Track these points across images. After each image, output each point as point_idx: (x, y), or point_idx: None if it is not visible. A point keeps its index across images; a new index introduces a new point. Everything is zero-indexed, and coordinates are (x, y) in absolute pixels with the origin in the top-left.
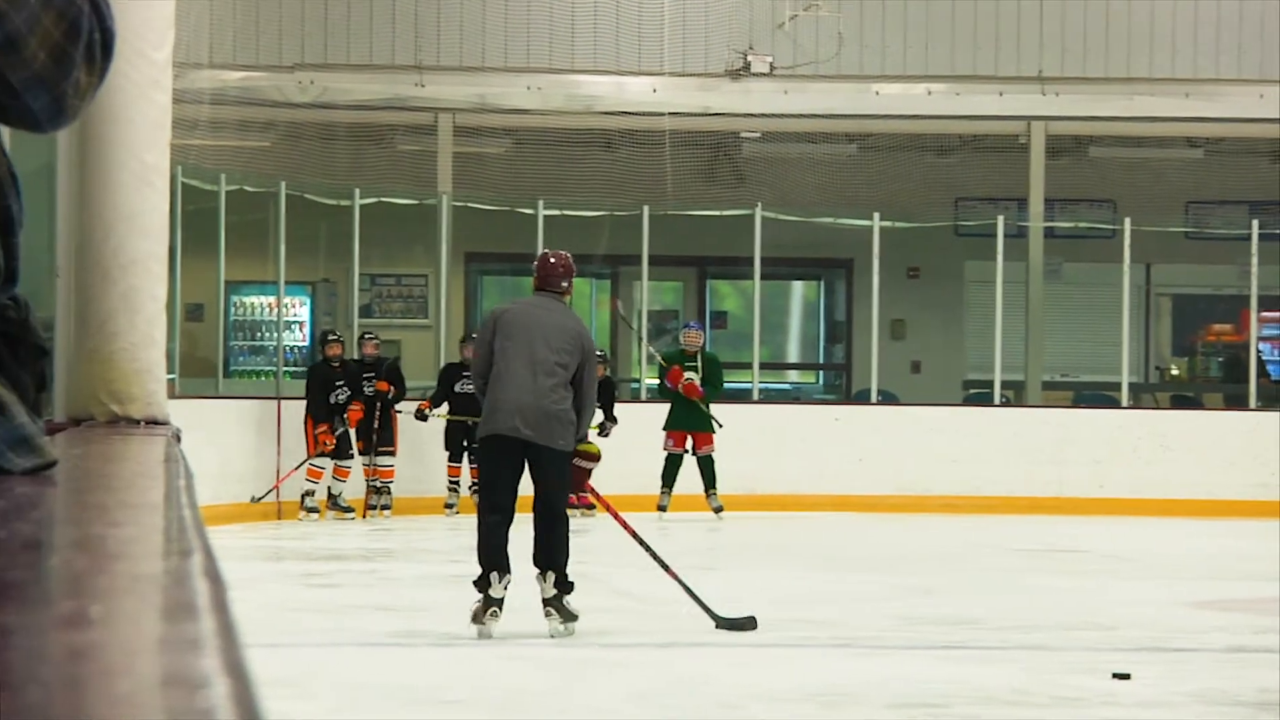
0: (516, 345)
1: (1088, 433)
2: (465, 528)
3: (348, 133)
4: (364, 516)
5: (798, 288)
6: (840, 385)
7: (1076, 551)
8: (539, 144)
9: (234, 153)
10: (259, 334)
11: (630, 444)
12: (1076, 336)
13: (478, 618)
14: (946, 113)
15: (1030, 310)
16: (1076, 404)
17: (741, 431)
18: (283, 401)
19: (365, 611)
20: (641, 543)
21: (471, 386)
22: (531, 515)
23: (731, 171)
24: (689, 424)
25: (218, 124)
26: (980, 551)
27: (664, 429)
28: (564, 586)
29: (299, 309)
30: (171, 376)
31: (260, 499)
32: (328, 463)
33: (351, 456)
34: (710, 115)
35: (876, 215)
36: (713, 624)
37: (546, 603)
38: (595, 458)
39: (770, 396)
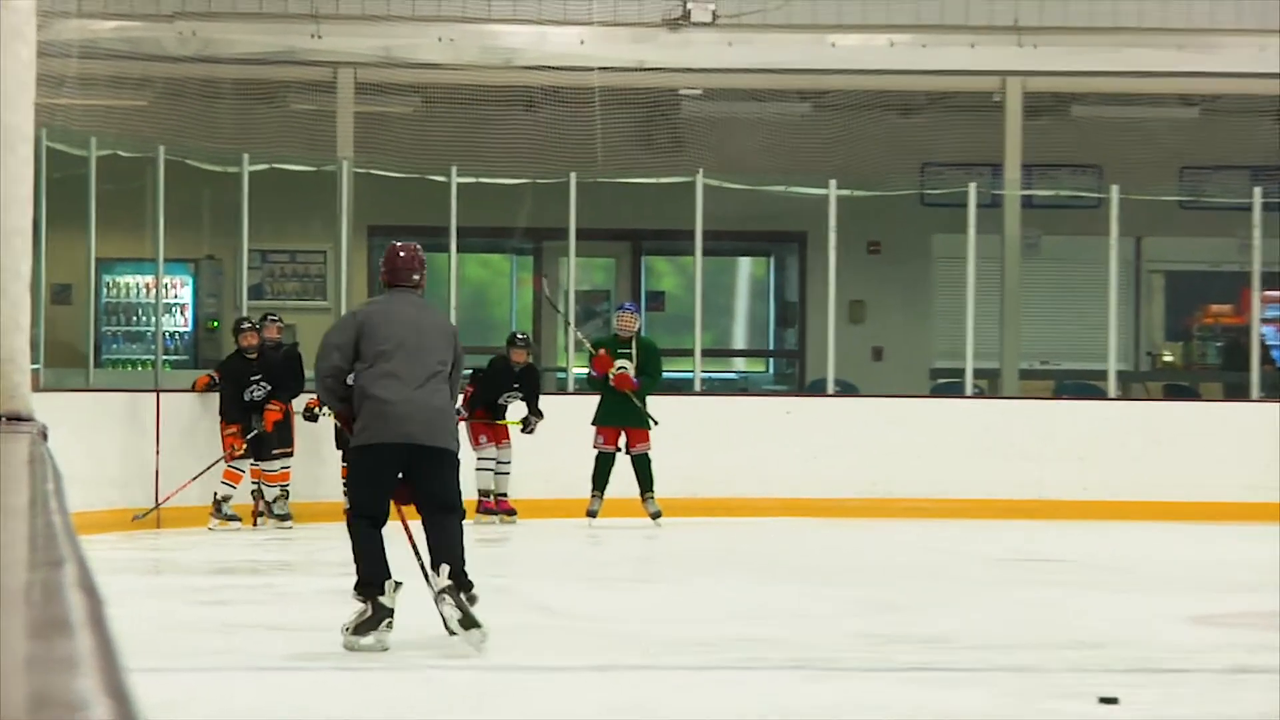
0: (394, 348)
1: (1070, 427)
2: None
3: (235, 90)
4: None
5: (744, 264)
6: (792, 374)
7: (1058, 560)
8: (452, 103)
9: (106, 113)
10: (135, 318)
11: (556, 441)
12: (1058, 319)
13: (365, 629)
14: (912, 67)
15: (1006, 289)
16: (1058, 395)
17: (681, 427)
18: (162, 395)
19: (257, 631)
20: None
21: None
22: (420, 519)
23: (669, 134)
24: (622, 419)
25: (87, 80)
26: (950, 561)
27: (593, 424)
28: (462, 582)
29: (180, 290)
30: (36, 366)
31: (143, 517)
32: (246, 465)
33: (275, 458)
34: (645, 70)
35: (833, 183)
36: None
37: (442, 592)
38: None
39: (714, 387)
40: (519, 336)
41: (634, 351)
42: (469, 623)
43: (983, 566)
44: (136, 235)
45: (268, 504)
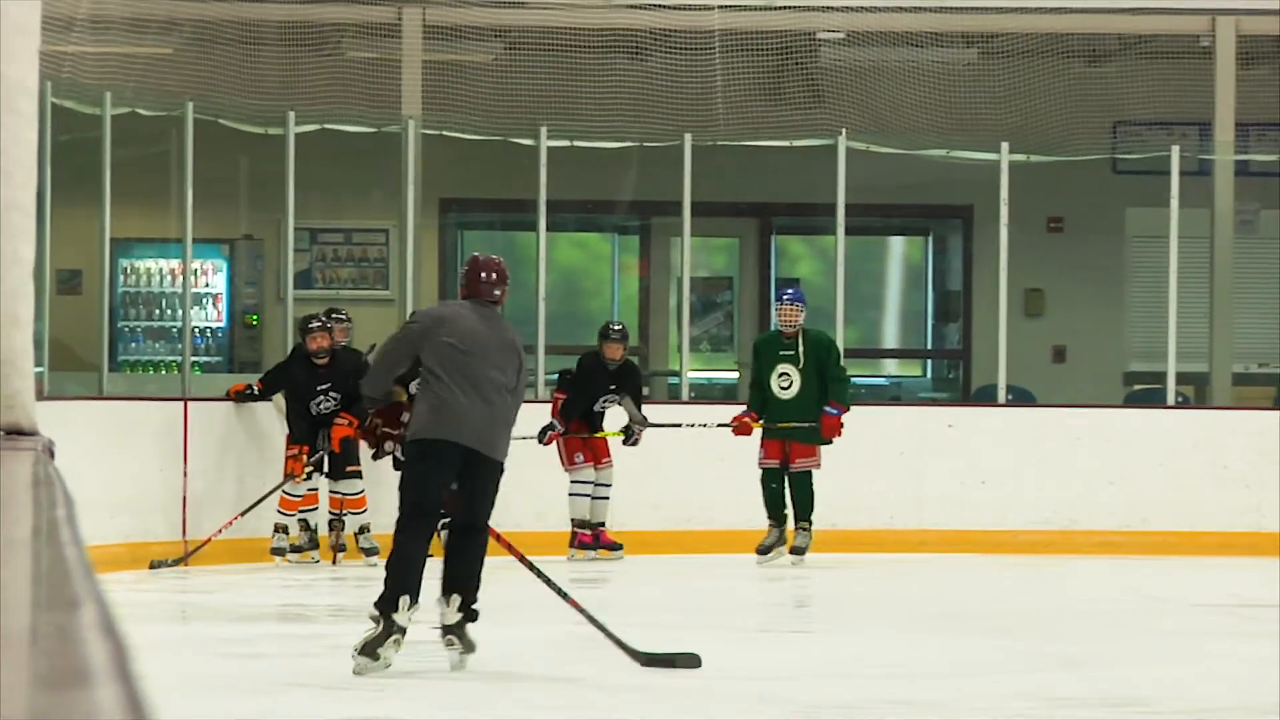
0: (462, 359)
1: None
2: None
3: (279, 35)
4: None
5: (896, 246)
6: (955, 379)
7: (1278, 607)
8: (540, 50)
9: (123, 63)
10: (158, 311)
11: (668, 461)
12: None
13: (371, 648)
14: (1101, 5)
15: (1216, 275)
16: None
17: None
18: (191, 404)
19: (305, 691)
20: (539, 575)
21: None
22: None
23: (805, 87)
24: (790, 433)
25: (100, 24)
26: (1148, 607)
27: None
28: (470, 614)
29: (212, 277)
30: (40, 370)
31: (168, 565)
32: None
33: (347, 476)
34: (776, 10)
35: (1005, 146)
36: (638, 663)
37: (449, 630)
38: None
39: (859, 394)
40: (614, 328)
41: (800, 352)
42: (468, 650)
43: (1187, 614)
44: (160, 211)
45: (350, 535)
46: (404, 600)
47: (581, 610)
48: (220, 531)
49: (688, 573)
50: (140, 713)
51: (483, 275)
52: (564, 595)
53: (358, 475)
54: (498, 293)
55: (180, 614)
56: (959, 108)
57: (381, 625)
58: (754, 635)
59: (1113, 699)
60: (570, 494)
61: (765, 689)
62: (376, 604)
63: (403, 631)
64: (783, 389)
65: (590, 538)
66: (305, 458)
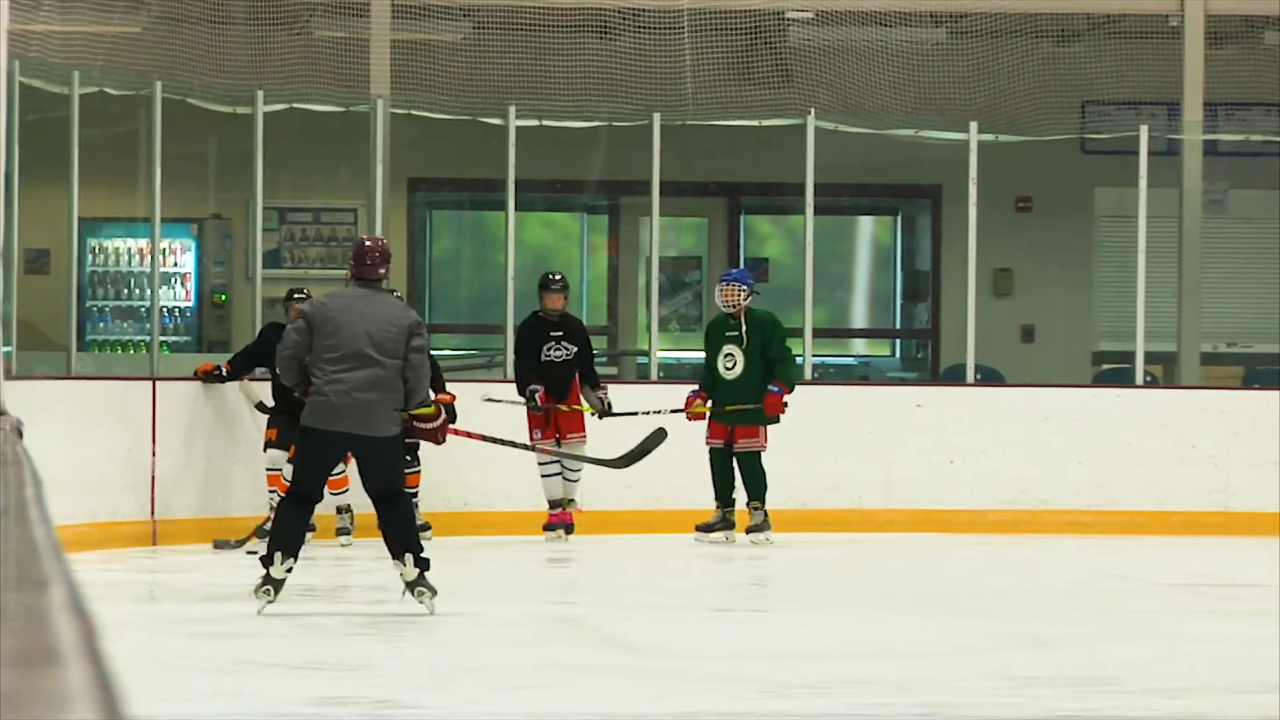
0: (339, 342)
1: (1263, 423)
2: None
3: (247, 13)
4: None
5: (865, 225)
6: (924, 359)
7: (1247, 585)
8: (509, 29)
9: (91, 42)
10: (126, 291)
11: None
12: (1247, 291)
13: (256, 593)
14: None
15: (1184, 255)
16: (1248, 384)
17: (787, 423)
18: (160, 384)
19: (274, 670)
20: (494, 440)
21: None
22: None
23: (774, 67)
24: (733, 414)
25: (68, 3)
26: (1116, 587)
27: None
28: (423, 564)
29: (181, 256)
30: (7, 349)
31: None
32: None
33: None
34: None
35: (973, 126)
36: (618, 468)
37: (410, 585)
38: (434, 417)
39: (828, 374)
40: (553, 278)
41: (743, 332)
42: (431, 596)
43: (1155, 593)
44: (128, 190)
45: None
46: (279, 556)
47: (549, 451)
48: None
49: (658, 553)
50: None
51: (366, 259)
52: (530, 447)
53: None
54: (382, 271)
55: (149, 594)
56: (927, 87)
57: (264, 576)
58: (722, 615)
59: (1081, 678)
60: (542, 475)
61: (735, 669)
62: (262, 559)
63: (279, 584)
64: (727, 369)
65: (560, 517)
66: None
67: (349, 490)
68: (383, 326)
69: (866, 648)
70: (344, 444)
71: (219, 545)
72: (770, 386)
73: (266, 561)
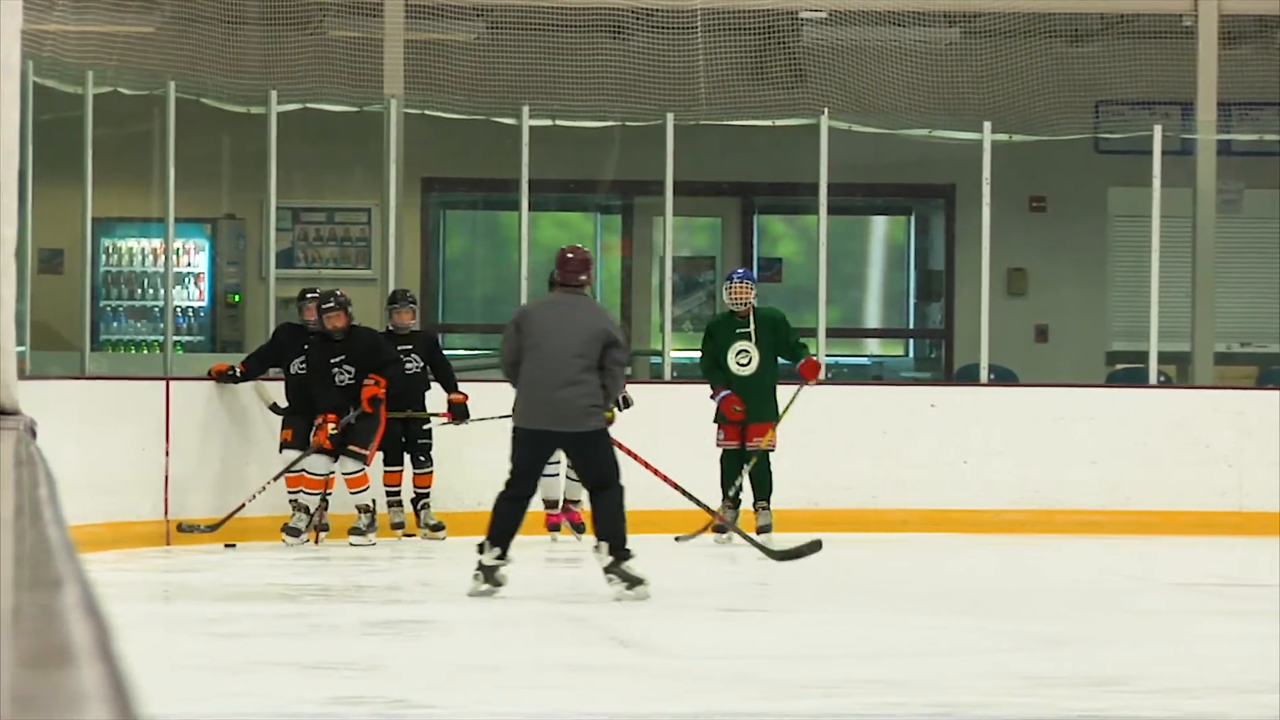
0: (541, 344)
1: (1277, 424)
2: (410, 556)
3: (261, 14)
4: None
5: (879, 225)
6: (938, 359)
7: (1262, 585)
8: (523, 29)
9: (105, 42)
10: (140, 291)
11: (647, 440)
12: (1262, 291)
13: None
14: None
15: (1198, 255)
16: (1262, 384)
17: (800, 422)
18: (173, 383)
19: (287, 670)
20: (677, 488)
21: (408, 368)
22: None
23: (788, 66)
24: (749, 412)
25: (82, 3)
26: (1129, 587)
27: (714, 420)
28: (620, 554)
29: (194, 256)
30: (21, 349)
31: (196, 530)
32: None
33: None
34: None
35: (987, 126)
36: (774, 561)
37: (606, 570)
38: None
39: (841, 374)
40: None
41: (753, 329)
42: (634, 584)
43: (1169, 593)
44: (142, 190)
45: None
46: (485, 544)
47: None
48: (253, 498)
49: (667, 553)
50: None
51: (567, 266)
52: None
53: (361, 457)
54: (583, 278)
55: (163, 593)
56: (941, 87)
57: (478, 564)
58: (731, 616)
59: (1093, 679)
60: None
61: (745, 669)
62: (478, 546)
63: (489, 571)
64: (741, 365)
65: (557, 518)
66: (330, 425)
67: (368, 489)
68: (581, 330)
69: (877, 648)
70: (552, 441)
71: (184, 529)
72: (802, 358)
73: (480, 549)
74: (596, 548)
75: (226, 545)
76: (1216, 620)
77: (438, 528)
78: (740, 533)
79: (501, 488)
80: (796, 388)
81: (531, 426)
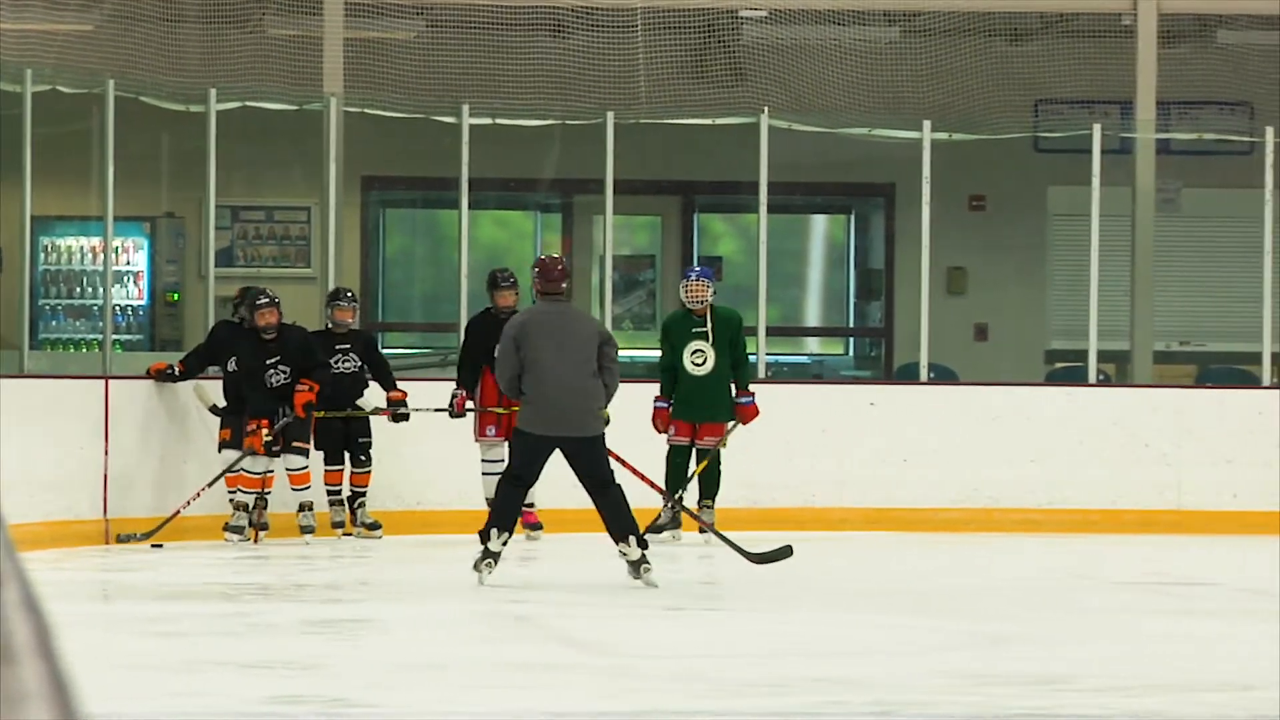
0: (539, 354)
1: (1216, 422)
2: (349, 556)
3: (200, 12)
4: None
5: (819, 224)
6: (878, 357)
7: (1200, 584)
8: (462, 27)
9: (44, 40)
10: (79, 289)
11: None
12: (1200, 290)
13: (476, 566)
14: None
15: (1137, 253)
16: (1201, 382)
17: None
18: (112, 382)
19: (226, 669)
20: (664, 493)
21: (346, 367)
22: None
23: (728, 65)
24: (704, 411)
25: (21, 1)
26: (1070, 585)
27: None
28: (644, 544)
29: (134, 255)
30: None
31: (133, 539)
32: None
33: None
34: None
35: (927, 125)
36: (748, 563)
37: (634, 565)
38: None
39: (781, 373)
40: (501, 275)
41: (710, 329)
42: (648, 572)
43: (1108, 591)
44: (80, 189)
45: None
46: (494, 531)
47: (704, 523)
48: (188, 504)
49: (611, 551)
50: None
51: (549, 275)
52: (687, 510)
53: (304, 452)
54: (564, 285)
55: (102, 592)
56: (881, 86)
57: (482, 551)
58: (675, 614)
59: (1036, 677)
60: (482, 473)
61: (689, 667)
62: (480, 533)
63: (496, 556)
64: (696, 365)
65: (531, 517)
66: (264, 431)
67: (310, 488)
68: (579, 336)
69: (821, 646)
70: (555, 444)
71: (122, 539)
72: (740, 398)
73: (484, 537)
74: (624, 549)
75: (154, 545)
76: (1160, 618)
77: (374, 526)
78: (718, 534)
79: (502, 476)
80: (732, 424)
81: (540, 432)
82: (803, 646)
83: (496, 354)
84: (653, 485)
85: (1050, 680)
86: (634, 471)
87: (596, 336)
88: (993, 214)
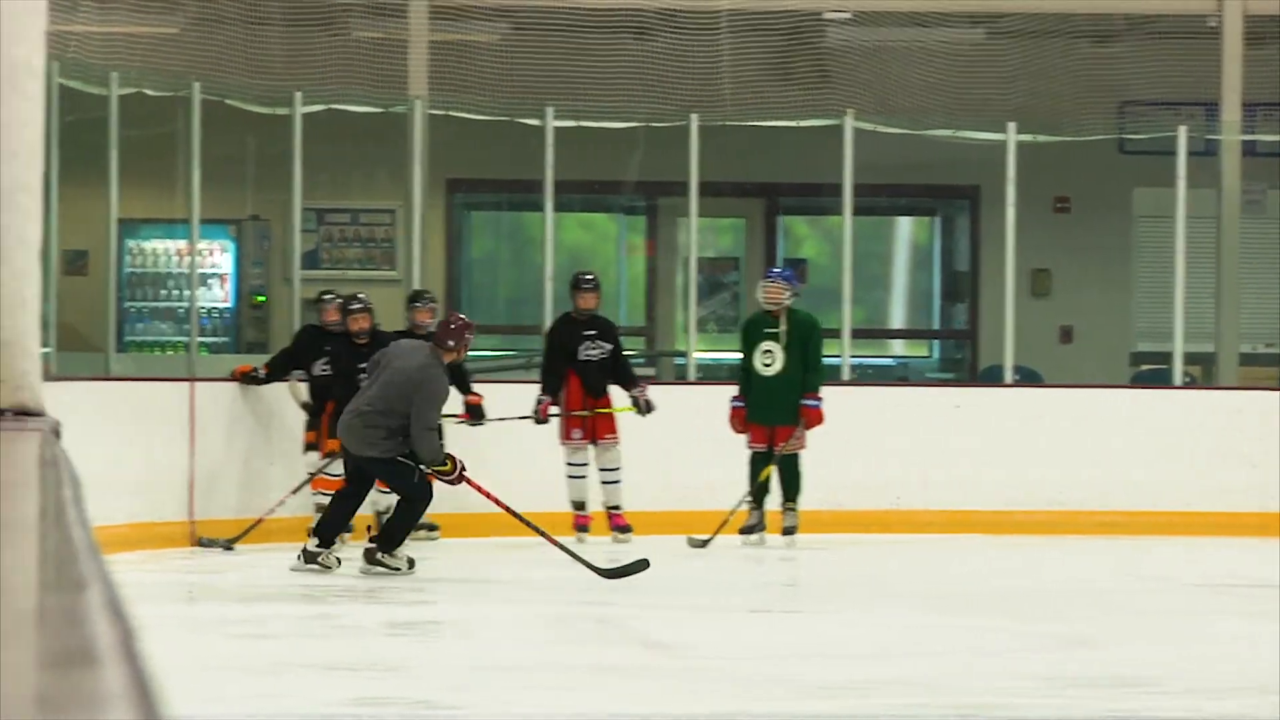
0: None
1: None
2: (430, 558)
3: (285, 15)
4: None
5: (904, 226)
6: (963, 360)
7: None
8: (546, 30)
9: (129, 43)
10: (164, 292)
11: (675, 441)
12: None
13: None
14: None
15: (1223, 255)
16: None
17: (825, 424)
18: (198, 385)
19: (311, 671)
20: (509, 510)
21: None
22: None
23: (812, 67)
24: (774, 414)
25: (106, 4)
26: (1153, 587)
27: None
28: (384, 544)
29: (219, 257)
30: (46, 351)
31: (214, 545)
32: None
33: None
34: None
35: (1012, 126)
36: (600, 578)
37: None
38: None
39: (865, 375)
40: (585, 277)
41: (783, 331)
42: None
43: (1194, 595)
44: (166, 191)
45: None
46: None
47: (552, 540)
48: (273, 511)
49: (693, 553)
50: (146, 693)
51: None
52: (529, 524)
53: None
54: (450, 343)
55: (187, 594)
56: (966, 88)
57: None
58: (757, 616)
59: (1119, 679)
60: (567, 475)
61: (770, 669)
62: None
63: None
64: (765, 365)
65: (587, 520)
66: None
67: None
68: (398, 372)
69: (902, 649)
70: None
71: (204, 544)
72: (806, 401)
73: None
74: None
75: (225, 548)
76: (1243, 621)
77: (431, 528)
78: (564, 548)
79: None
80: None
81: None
82: (883, 649)
83: None
84: (509, 510)
85: (1131, 683)
86: (489, 496)
87: (411, 380)
88: (1077, 216)
